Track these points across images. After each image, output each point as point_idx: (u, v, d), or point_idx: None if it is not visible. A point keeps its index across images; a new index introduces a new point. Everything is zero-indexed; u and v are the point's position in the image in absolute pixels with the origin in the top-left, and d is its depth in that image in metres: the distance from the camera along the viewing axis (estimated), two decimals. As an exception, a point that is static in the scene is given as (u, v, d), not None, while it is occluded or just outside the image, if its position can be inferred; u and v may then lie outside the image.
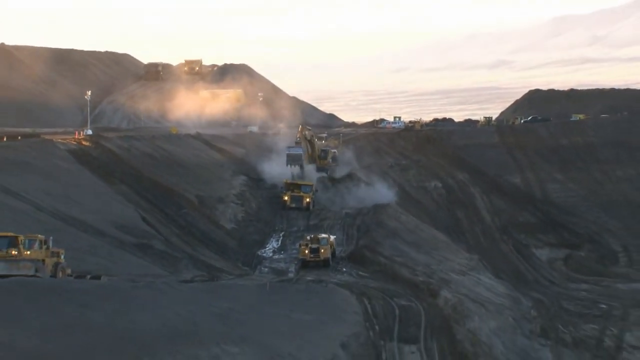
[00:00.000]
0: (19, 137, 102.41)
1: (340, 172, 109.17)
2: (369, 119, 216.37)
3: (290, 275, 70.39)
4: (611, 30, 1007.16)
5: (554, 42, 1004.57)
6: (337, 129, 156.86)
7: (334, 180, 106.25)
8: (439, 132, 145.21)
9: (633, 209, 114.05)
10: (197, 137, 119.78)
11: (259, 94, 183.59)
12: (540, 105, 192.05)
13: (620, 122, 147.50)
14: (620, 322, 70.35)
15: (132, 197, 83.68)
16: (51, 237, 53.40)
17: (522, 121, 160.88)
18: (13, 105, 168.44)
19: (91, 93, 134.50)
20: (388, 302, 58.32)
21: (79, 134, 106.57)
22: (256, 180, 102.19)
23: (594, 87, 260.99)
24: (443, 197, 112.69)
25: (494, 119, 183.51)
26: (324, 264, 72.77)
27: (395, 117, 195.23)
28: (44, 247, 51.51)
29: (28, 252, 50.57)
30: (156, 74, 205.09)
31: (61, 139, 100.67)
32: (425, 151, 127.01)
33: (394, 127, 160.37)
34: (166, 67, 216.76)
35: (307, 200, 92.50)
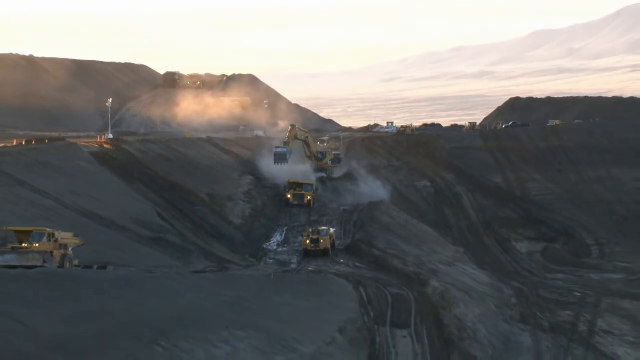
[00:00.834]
0: (47, 141, 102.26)
1: (338, 173, 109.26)
2: (364, 124, 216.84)
3: (293, 266, 70.46)
4: (585, 43, 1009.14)
5: (533, 54, 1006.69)
6: (334, 133, 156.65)
7: (333, 180, 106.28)
8: (428, 136, 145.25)
9: (604, 206, 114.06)
10: (209, 140, 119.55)
11: (264, 101, 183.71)
12: (520, 112, 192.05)
13: (592, 127, 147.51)
14: (593, 309, 70.29)
15: (149, 195, 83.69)
16: (60, 230, 52.92)
17: (503, 126, 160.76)
18: (39, 111, 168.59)
19: (112, 101, 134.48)
20: (382, 290, 58.33)
21: (101, 138, 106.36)
22: (262, 179, 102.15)
23: (569, 96, 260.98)
24: (431, 195, 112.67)
25: (478, 124, 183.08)
26: (324, 253, 73.35)
27: (388, 123, 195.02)
28: (52, 240, 51.07)
29: (37, 245, 50.16)
30: (173, 82, 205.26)
31: (84, 142, 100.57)
32: (416, 153, 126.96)
33: (387, 132, 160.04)
34: (181, 76, 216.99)
35: (309, 198, 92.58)
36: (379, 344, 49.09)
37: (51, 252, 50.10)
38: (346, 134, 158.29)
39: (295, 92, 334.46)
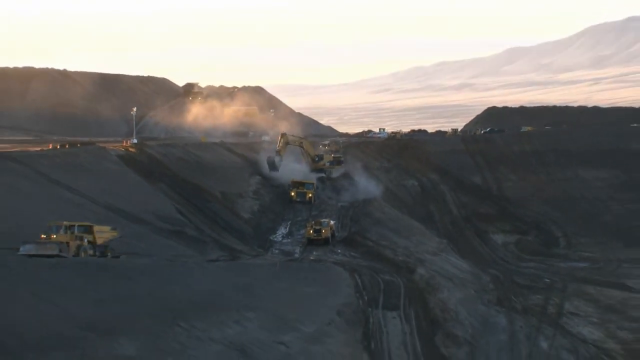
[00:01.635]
0: (78, 145, 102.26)
1: (336, 173, 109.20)
2: (359, 130, 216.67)
3: (296, 256, 70.46)
4: (553, 59, 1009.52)
5: (507, 68, 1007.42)
6: (334, 138, 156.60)
7: (331, 180, 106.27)
8: (415, 141, 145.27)
9: (570, 203, 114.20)
10: (221, 144, 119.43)
11: (270, 110, 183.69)
12: (496, 120, 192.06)
13: (560, 133, 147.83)
14: (560, 294, 70.46)
15: (169, 193, 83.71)
16: (76, 223, 52.39)
17: (482, 132, 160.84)
18: (71, 118, 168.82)
19: (135, 109, 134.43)
20: (374, 277, 58.32)
21: (126, 142, 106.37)
22: (268, 179, 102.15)
23: (539, 105, 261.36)
24: (418, 193, 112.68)
25: (459, 130, 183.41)
26: (324, 242, 73.80)
27: (380, 129, 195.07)
28: (69, 231, 50.59)
29: (54, 236, 49.72)
30: (191, 92, 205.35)
31: (112, 146, 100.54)
32: (404, 156, 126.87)
33: (379, 137, 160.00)
34: (198, 87, 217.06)
35: (310, 195, 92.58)
36: (372, 324, 49.10)
37: (67, 243, 49.60)
38: (343, 139, 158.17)
39: (297, 102, 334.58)
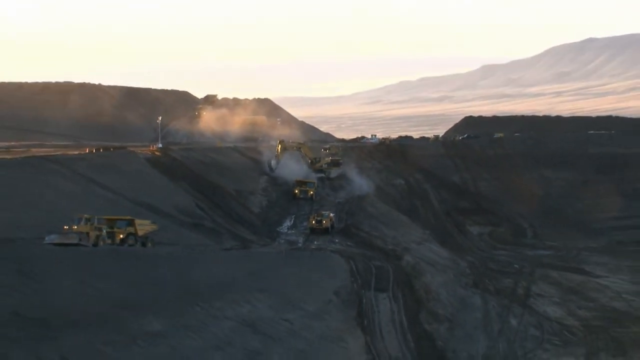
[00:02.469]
0: (111, 149, 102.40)
1: (334, 173, 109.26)
2: (354, 136, 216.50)
3: (299, 245, 70.46)
4: (522, 75, 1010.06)
5: (482, 83, 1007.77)
6: (333, 143, 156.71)
7: (330, 179, 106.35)
8: (403, 145, 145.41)
9: (536, 199, 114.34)
10: (235, 148, 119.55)
11: (278, 119, 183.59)
12: (472, 127, 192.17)
13: (528, 139, 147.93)
14: (528, 277, 70.49)
15: (189, 191, 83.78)
16: (96, 216, 51.76)
17: (460, 138, 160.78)
18: (103, 126, 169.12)
19: (161, 118, 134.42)
20: (367, 263, 58.42)
21: (152, 147, 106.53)
22: (275, 178, 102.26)
23: (509, 115, 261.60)
24: (405, 190, 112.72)
25: (440, 136, 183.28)
26: (325, 231, 74.09)
27: (372, 135, 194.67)
28: (89, 223, 49.96)
29: (75, 227, 49.21)
30: (210, 102, 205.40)
31: (140, 150, 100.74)
32: (393, 159, 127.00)
33: (371, 142, 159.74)
34: (216, 98, 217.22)
35: (311, 192, 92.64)
36: (365, 304, 49.16)
37: (87, 233, 49.01)
38: (340, 144, 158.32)
39: (299, 111, 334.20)
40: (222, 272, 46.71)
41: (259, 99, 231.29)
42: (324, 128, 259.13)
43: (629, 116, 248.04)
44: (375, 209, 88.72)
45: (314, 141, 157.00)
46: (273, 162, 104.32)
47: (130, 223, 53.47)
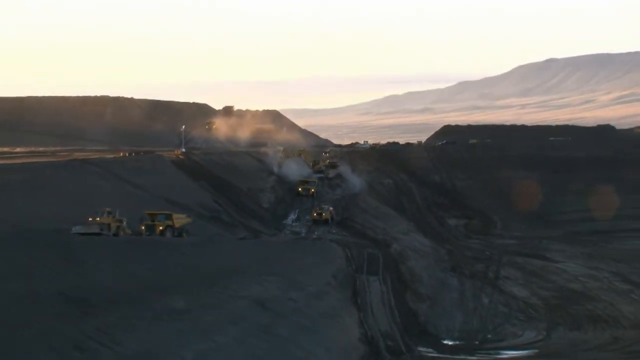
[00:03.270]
0: (141, 153, 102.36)
1: (332, 174, 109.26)
2: (349, 142, 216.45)
3: (302, 235, 70.52)
4: (492, 89, 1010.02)
5: (459, 97, 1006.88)
6: (332, 148, 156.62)
7: (329, 179, 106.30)
8: (390, 150, 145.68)
9: (505, 196, 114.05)
10: (247, 153, 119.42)
11: (284, 127, 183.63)
12: (450, 134, 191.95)
13: (497, 144, 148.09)
14: (497, 263, 70.50)
15: (208, 188, 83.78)
16: (117, 210, 51.16)
17: (439, 144, 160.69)
18: (133, 133, 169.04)
19: (184, 127, 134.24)
20: (360, 250, 58.43)
21: (177, 151, 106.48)
22: (282, 178, 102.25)
23: (482, 124, 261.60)
24: (392, 188, 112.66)
25: (422, 142, 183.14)
26: (325, 222, 74.32)
27: (364, 141, 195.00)
28: (110, 215, 49.69)
29: (98, 219, 48.91)
30: (227, 112, 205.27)
31: (166, 154, 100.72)
32: (382, 161, 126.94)
33: (363, 147, 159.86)
34: (232, 109, 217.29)
35: (312, 190, 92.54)
36: (358, 285, 49.18)
37: (108, 224, 48.69)
38: (337, 148, 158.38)
39: (302, 121, 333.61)
40: (236, 258, 46.71)
41: (267, 110, 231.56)
42: (323, 135, 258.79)
43: (583, 125, 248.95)
44: (367, 205, 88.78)
45: (314, 146, 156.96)
46: (275, 169, 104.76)
47: (169, 217, 53.61)
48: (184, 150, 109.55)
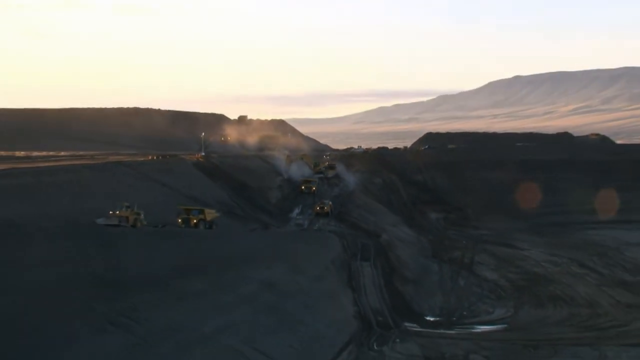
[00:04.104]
0: (167, 157, 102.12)
1: (331, 174, 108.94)
2: (345, 147, 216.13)
3: (305, 227, 70.32)
4: (468, 102, 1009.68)
5: (439, 108, 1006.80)
6: (329, 152, 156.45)
7: (328, 178, 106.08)
8: (380, 154, 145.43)
9: (478, 193, 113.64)
10: (257, 156, 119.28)
11: (289, 134, 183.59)
12: (432, 140, 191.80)
13: (471, 149, 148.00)
14: (471, 250, 70.31)
15: (224, 187, 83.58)
16: (135, 203, 50.30)
17: (423, 148, 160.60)
18: (159, 139, 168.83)
19: (203, 134, 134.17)
20: (354, 240, 58.27)
21: (197, 155, 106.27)
22: (287, 178, 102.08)
23: (459, 131, 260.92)
24: (382, 187, 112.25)
25: (408, 147, 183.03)
26: (326, 215, 73.90)
27: (358, 146, 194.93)
28: (128, 209, 48.90)
29: (117, 212, 48.35)
30: (242, 121, 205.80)
31: (188, 157, 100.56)
32: (374, 164, 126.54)
33: (357, 152, 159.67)
34: (245, 118, 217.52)
35: (313, 188, 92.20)
36: (353, 270, 49.08)
37: (127, 217, 47.98)
38: (335, 153, 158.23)
39: (305, 129, 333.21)
40: (249, 246, 46.56)
41: (274, 119, 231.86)
42: (322, 141, 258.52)
43: (544, 133, 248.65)
44: (361, 201, 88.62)
45: (314, 150, 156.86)
46: (284, 174, 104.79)
47: (201, 212, 53.62)
48: (203, 154, 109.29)
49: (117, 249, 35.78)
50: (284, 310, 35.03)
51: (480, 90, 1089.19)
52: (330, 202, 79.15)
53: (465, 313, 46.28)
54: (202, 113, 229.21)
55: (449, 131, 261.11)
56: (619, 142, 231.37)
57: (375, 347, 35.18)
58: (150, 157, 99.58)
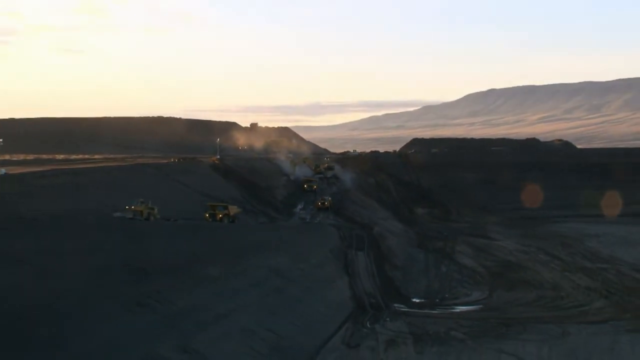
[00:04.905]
0: (187, 159, 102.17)
1: (330, 174, 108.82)
2: (342, 151, 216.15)
3: (307, 220, 70.19)
4: (448, 111, 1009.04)
5: (424, 117, 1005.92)
6: (328, 156, 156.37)
7: (327, 178, 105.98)
8: (372, 157, 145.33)
9: (458, 191, 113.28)
10: (265, 158, 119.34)
11: (293, 140, 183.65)
12: (418, 145, 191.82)
13: (452, 153, 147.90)
14: (452, 241, 70.08)
15: (237, 186, 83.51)
16: (150, 200, 49.68)
17: (410, 152, 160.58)
18: (179, 144, 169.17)
19: (219, 140, 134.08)
20: (350, 232, 58.06)
21: (213, 158, 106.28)
22: (291, 178, 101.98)
23: (441, 137, 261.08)
24: (374, 186, 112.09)
25: (397, 151, 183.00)
26: (326, 209, 73.75)
27: (353, 150, 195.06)
28: (143, 204, 48.41)
29: (133, 207, 47.79)
30: (255, 128, 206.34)
31: (205, 159, 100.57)
32: (367, 165, 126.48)
33: (353, 155, 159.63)
34: (256, 126, 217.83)
35: (314, 187, 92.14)
36: (348, 258, 48.96)
37: (140, 211, 47.41)
38: (333, 156, 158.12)
39: (307, 135, 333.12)
40: (258, 237, 46.51)
41: (281, 126, 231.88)
42: (322, 145, 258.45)
43: (515, 138, 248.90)
44: (356, 198, 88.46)
45: (315, 153, 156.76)
46: (290, 173, 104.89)
47: (226, 207, 53.61)
48: (218, 157, 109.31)
49: (143, 240, 35.78)
50: (289, 293, 35.00)
51: (459, 102, 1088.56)
52: (330, 198, 79.08)
53: (446, 295, 46.20)
54: (216, 121, 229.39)
55: (433, 137, 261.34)
56: (579, 146, 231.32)
57: (369, 325, 35.16)
58: (171, 160, 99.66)
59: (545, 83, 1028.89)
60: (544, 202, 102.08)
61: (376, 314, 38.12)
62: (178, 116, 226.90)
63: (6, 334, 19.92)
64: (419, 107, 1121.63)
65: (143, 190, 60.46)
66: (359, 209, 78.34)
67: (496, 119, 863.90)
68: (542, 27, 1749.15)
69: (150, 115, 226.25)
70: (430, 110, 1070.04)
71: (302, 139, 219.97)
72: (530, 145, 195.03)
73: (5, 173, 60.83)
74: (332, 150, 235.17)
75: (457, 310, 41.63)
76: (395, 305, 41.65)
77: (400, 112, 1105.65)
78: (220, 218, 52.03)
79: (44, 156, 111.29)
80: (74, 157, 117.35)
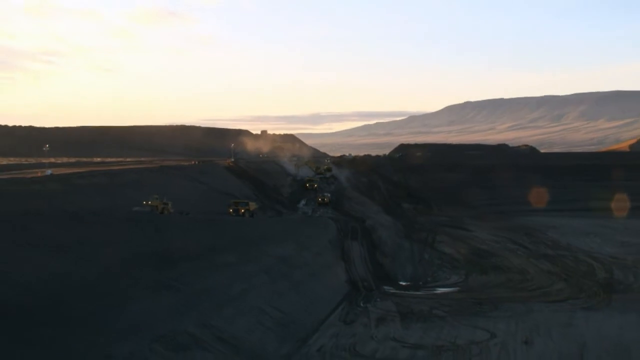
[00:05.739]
0: (205, 162, 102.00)
1: (328, 175, 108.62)
2: (339, 154, 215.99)
3: (309, 214, 70.04)
4: (431, 121, 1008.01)
5: (409, 125, 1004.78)
6: (327, 159, 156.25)
7: (326, 178, 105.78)
8: (366, 159, 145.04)
9: (441, 190, 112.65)
10: (273, 161, 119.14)
11: (297, 145, 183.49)
12: (404, 150, 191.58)
13: (433, 156, 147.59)
14: (434, 232, 69.85)
15: (249, 185, 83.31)
16: (165, 197, 48.54)
17: (397, 156, 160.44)
18: (198, 149, 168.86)
19: (233, 144, 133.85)
20: (346, 224, 57.95)
21: (228, 160, 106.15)
22: (296, 178, 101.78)
23: (424, 143, 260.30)
24: (367, 185, 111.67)
25: (387, 154, 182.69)
26: (326, 204, 73.49)
27: (348, 153, 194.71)
28: (158, 199, 47.39)
29: (149, 202, 46.72)
30: (264, 135, 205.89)
31: (220, 162, 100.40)
32: (360, 167, 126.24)
33: (348, 158, 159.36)
34: (265, 133, 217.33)
35: (315, 186, 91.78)
36: (345, 247, 48.97)
37: (156, 206, 46.32)
38: (331, 158, 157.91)
39: (309, 141, 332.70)
40: (267, 229, 46.48)
41: (286, 134, 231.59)
42: (322, 150, 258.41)
43: (488, 144, 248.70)
44: (351, 195, 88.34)
45: (315, 157, 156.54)
46: (294, 173, 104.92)
47: (247, 203, 53.42)
48: (233, 159, 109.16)
49: (167, 232, 35.79)
50: (293, 277, 35.04)
51: (439, 112, 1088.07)
52: (329, 195, 78.98)
53: (429, 279, 46.23)
54: (230, 129, 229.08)
55: (417, 142, 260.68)
56: (542, 151, 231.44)
57: (362, 305, 35.21)
58: (192, 162, 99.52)
59: (514, 96, 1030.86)
60: (513, 199, 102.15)
61: (368, 295, 38.18)
62: (197, 125, 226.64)
63: (50, 312, 19.98)
64: (405, 117, 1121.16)
65: (167, 189, 60.40)
66: (354, 205, 78.33)
67: (471, 127, 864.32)
68: (511, 48, 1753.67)
69: (173, 124, 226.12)
70: (414, 120, 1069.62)
71: (304, 144, 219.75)
72: (501, 149, 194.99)
73: (51, 173, 60.90)
74: (330, 153, 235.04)
75: (438, 292, 41.71)
76: (385, 287, 41.71)
77: (389, 121, 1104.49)
78: (242, 213, 52.19)
79: (83, 159, 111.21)
80: (108, 160, 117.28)
